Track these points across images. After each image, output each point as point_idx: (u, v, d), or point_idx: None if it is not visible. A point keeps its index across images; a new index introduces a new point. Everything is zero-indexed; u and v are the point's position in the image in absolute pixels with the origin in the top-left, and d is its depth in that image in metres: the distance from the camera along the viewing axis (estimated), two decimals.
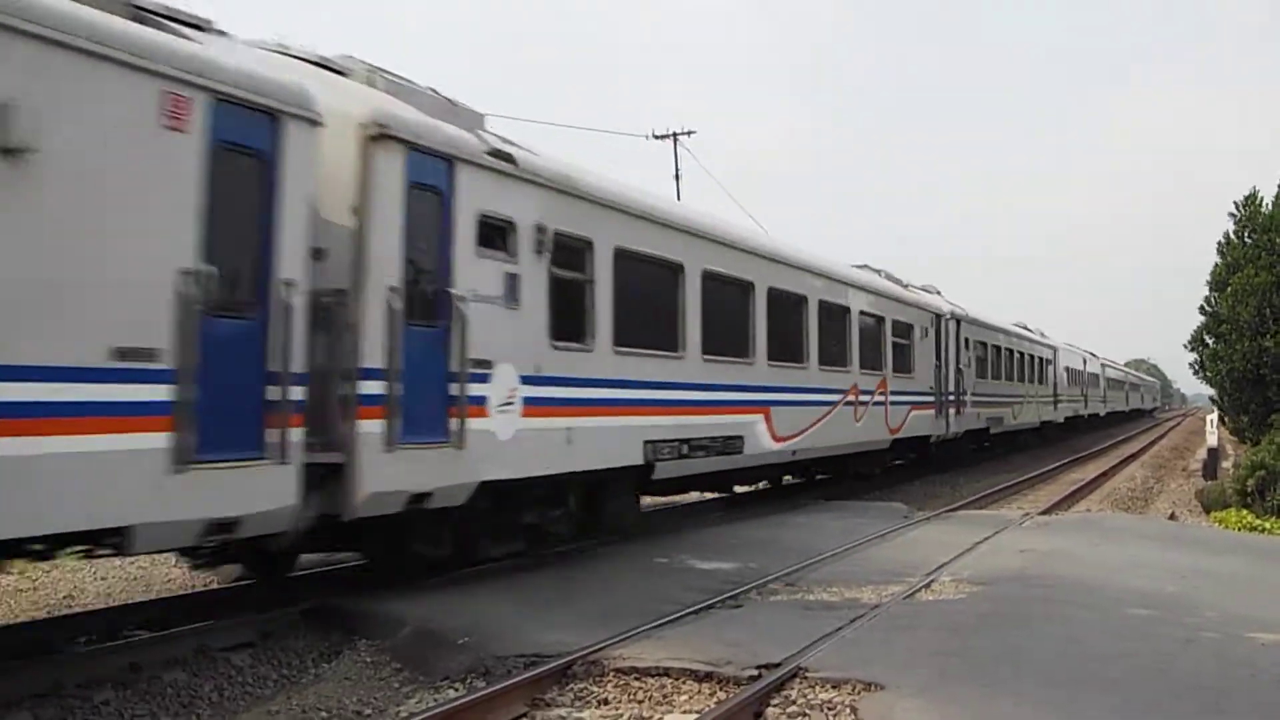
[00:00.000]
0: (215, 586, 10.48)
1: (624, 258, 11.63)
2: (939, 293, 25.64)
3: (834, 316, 17.89)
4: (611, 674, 6.79)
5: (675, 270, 12.90)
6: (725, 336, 14.06)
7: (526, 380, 9.85)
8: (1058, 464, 29.54)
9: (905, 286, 22.96)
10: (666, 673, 6.74)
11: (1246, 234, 34.13)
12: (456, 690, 6.85)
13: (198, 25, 7.47)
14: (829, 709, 6.10)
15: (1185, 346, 38.33)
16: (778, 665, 6.71)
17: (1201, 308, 36.13)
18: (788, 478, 19.60)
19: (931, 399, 22.83)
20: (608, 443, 11.23)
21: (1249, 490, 20.08)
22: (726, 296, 14.28)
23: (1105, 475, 27.09)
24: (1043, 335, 38.72)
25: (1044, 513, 16.96)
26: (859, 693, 6.27)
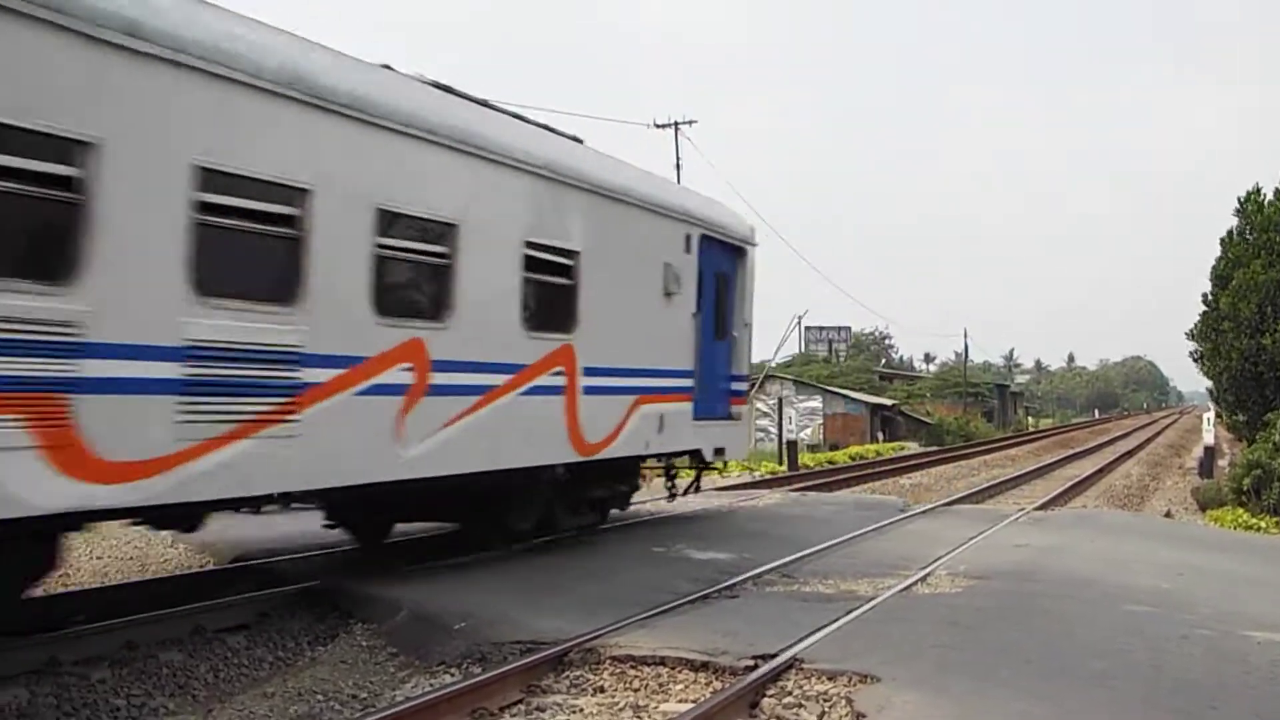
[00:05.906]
0: (211, 567, 10.49)
1: None
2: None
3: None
4: (607, 662, 6.80)
5: None
6: None
7: None
8: (1054, 460, 29.60)
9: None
10: (662, 662, 6.75)
11: (1249, 231, 34.04)
12: (452, 676, 6.86)
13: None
14: (825, 700, 6.11)
15: (1187, 335, 38.01)
16: (774, 656, 6.71)
17: (1204, 296, 35.92)
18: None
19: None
20: None
21: (1245, 489, 20.15)
22: None
23: (1101, 472, 27.17)
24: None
25: (1040, 508, 17.02)
26: (855, 685, 6.27)
